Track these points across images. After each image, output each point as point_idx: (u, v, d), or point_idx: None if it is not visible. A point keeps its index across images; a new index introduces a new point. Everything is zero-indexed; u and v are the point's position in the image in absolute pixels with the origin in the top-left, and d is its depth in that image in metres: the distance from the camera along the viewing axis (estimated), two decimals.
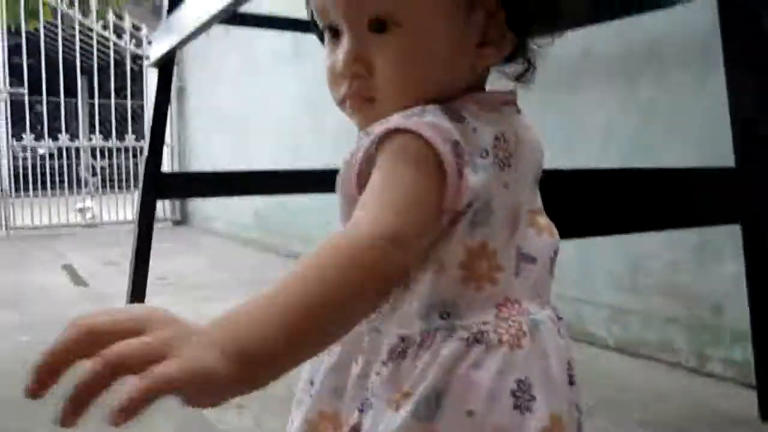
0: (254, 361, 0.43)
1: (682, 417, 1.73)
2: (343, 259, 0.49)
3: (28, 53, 6.01)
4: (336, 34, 0.65)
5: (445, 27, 0.61)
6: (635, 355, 2.18)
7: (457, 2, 0.60)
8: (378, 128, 0.58)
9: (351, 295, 0.49)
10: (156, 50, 2.51)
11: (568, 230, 1.26)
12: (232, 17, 2.30)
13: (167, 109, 2.61)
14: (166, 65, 2.53)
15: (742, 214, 1.50)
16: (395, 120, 0.57)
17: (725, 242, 1.81)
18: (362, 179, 0.58)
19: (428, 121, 0.56)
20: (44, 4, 6.14)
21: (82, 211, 6.59)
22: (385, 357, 0.59)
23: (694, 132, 1.93)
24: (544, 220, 0.66)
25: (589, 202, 1.20)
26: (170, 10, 2.45)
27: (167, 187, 2.65)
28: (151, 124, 2.57)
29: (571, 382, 0.62)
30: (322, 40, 0.69)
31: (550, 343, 0.59)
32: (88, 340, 0.41)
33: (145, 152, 2.58)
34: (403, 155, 0.55)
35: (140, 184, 2.61)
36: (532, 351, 0.57)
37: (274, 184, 2.86)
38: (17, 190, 6.33)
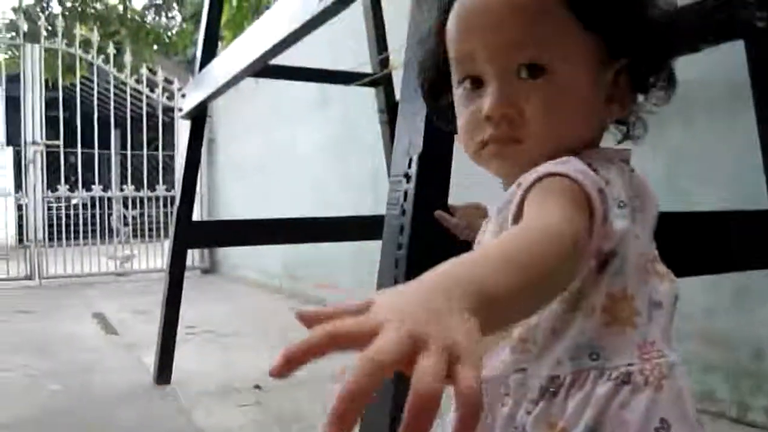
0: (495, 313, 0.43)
1: None
2: (550, 235, 0.52)
3: (63, 107, 6.20)
4: (475, 83, 0.68)
5: (588, 79, 0.66)
6: None
7: (596, 58, 0.66)
8: (528, 177, 0.60)
9: (556, 263, 0.51)
10: (188, 103, 2.58)
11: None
12: (261, 70, 2.35)
13: (199, 160, 2.66)
14: (198, 117, 2.59)
15: None
16: (544, 168, 0.60)
17: (764, 286, 1.77)
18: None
19: (577, 167, 0.59)
20: (80, 59, 6.36)
21: (127, 259, 6.69)
22: (536, 396, 0.62)
23: (725, 175, 1.91)
24: (662, 267, 0.69)
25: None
26: (203, 65, 2.52)
27: (198, 235, 2.69)
28: (183, 174, 2.62)
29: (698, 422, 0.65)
30: (425, 91, 0.77)
31: (684, 384, 0.63)
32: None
33: (177, 202, 2.62)
34: (552, 191, 0.58)
35: (171, 233, 2.64)
36: (672, 391, 0.61)
37: (302, 232, 2.88)
38: (50, 239, 6.45)
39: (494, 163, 0.69)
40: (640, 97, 0.71)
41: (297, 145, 5.06)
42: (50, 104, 6.46)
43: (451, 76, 0.73)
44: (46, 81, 6.45)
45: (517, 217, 0.59)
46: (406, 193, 0.97)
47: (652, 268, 0.66)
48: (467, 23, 0.68)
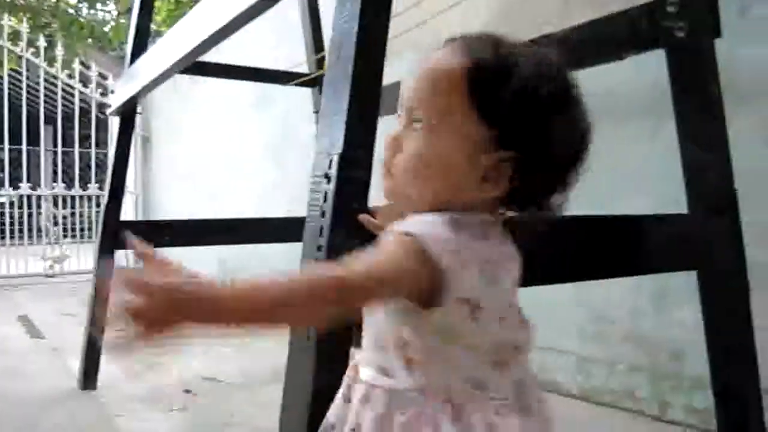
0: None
1: None
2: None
3: None
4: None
5: (459, 152, 0.74)
6: (599, 403, 2.16)
7: (476, 140, 0.73)
8: (395, 228, 0.71)
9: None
10: (117, 99, 2.50)
11: (528, 277, 1.26)
12: (193, 67, 2.30)
13: (128, 158, 2.58)
14: (127, 114, 2.52)
15: (697, 260, 1.51)
16: (407, 224, 0.71)
17: (684, 288, 1.82)
18: None
19: (433, 232, 0.69)
20: (9, 52, 6.10)
21: (59, 260, 6.44)
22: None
23: (649, 180, 1.97)
24: (521, 315, 0.81)
25: (545, 250, 1.20)
26: (132, 60, 2.45)
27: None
28: (111, 172, 2.54)
29: None
30: None
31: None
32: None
33: (104, 201, 2.54)
34: (395, 241, 0.70)
35: (99, 233, 2.56)
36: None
37: (237, 233, 2.83)
38: None
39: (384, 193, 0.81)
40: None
41: (235, 145, 4.98)
42: None
43: None
44: None
45: None
46: (326, 194, 0.96)
47: (513, 320, 0.78)
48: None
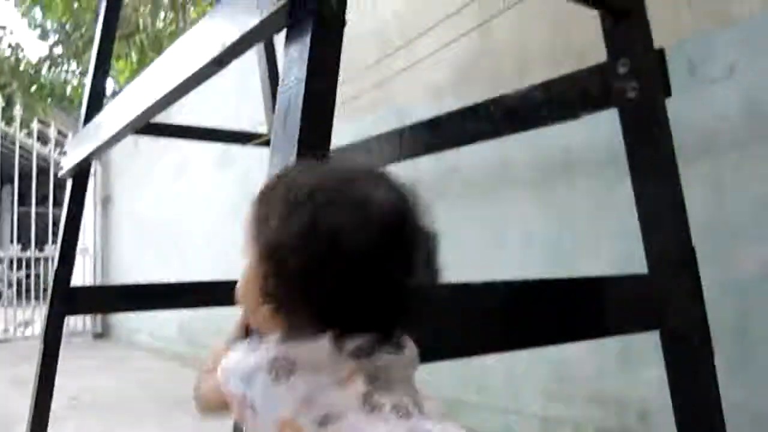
0: None
1: None
2: None
3: None
4: None
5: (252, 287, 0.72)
6: None
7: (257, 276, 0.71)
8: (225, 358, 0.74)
9: None
10: (69, 160, 2.44)
11: (487, 344, 1.22)
12: (149, 128, 2.26)
13: (80, 221, 2.50)
14: (80, 175, 2.45)
15: (659, 320, 1.49)
16: (227, 359, 0.73)
17: (648, 347, 1.80)
18: None
19: (241, 368, 0.70)
20: None
21: (25, 324, 6.23)
22: None
23: (609, 237, 1.97)
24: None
25: (501, 315, 1.18)
26: (86, 121, 2.40)
27: (77, 301, 2.51)
28: (61, 235, 2.45)
29: None
30: None
31: None
32: None
33: (54, 265, 2.45)
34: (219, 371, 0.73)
35: (48, 299, 2.46)
36: None
37: (193, 296, 2.74)
38: None
39: None
40: None
41: (197, 204, 4.91)
42: None
43: None
44: None
45: None
46: None
47: None
48: None
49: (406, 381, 0.70)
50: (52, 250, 6.38)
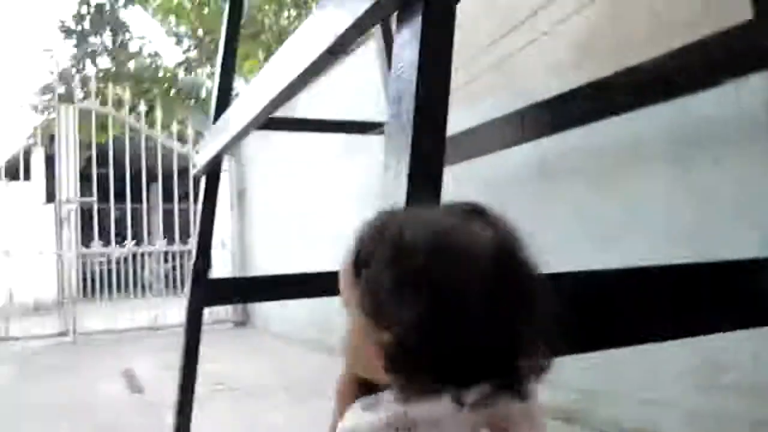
0: None
1: None
2: None
3: (102, 163, 6.33)
4: None
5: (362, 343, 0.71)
6: None
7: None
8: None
9: None
10: (201, 158, 2.55)
11: (625, 337, 1.13)
12: (273, 123, 2.31)
13: (214, 216, 2.62)
14: (212, 172, 2.56)
15: None
16: (344, 422, 0.70)
17: None
18: None
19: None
20: (114, 119, 6.50)
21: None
22: None
23: (760, 217, 1.78)
24: None
25: (651, 303, 1.08)
26: (215, 119, 2.50)
27: (215, 292, 2.63)
28: (198, 231, 2.58)
29: None
30: None
31: None
32: None
33: (193, 259, 2.58)
34: None
35: (187, 292, 2.59)
36: None
37: (322, 285, 2.79)
38: (85, 295, 6.50)
39: None
40: None
41: (327, 195, 5.03)
42: (98, 161, 6.61)
43: None
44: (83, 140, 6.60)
45: None
46: None
47: None
48: None
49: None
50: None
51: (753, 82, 1.52)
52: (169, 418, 2.79)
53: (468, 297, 0.63)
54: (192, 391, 2.59)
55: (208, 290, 2.55)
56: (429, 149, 0.91)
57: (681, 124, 2.03)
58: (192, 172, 2.67)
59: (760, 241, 1.78)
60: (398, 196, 0.90)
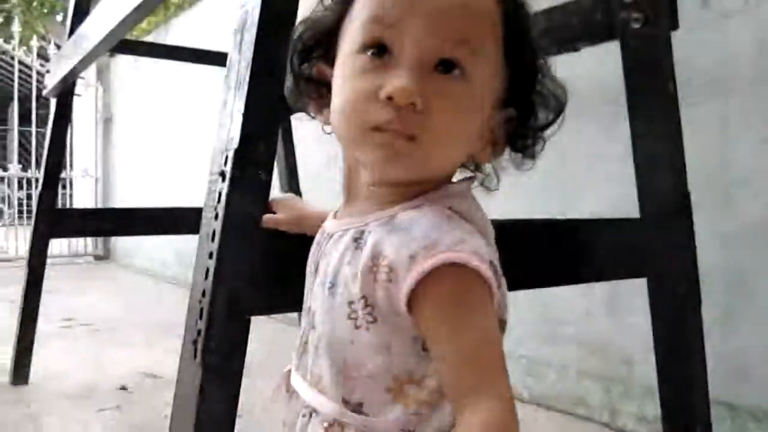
0: None
1: None
2: None
3: None
4: (379, 51, 0.59)
5: (489, 103, 0.63)
6: (549, 409, 2.09)
7: (498, 94, 0.64)
8: (426, 257, 0.54)
9: None
10: (51, 78, 2.35)
11: None
12: (126, 46, 2.15)
13: (64, 142, 2.45)
14: (63, 93, 2.37)
15: (648, 268, 1.43)
16: (440, 248, 0.54)
17: (631, 292, 1.75)
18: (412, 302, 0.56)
19: (472, 247, 0.55)
20: None
21: None
22: None
23: (603, 182, 1.89)
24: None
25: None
26: (70, 35, 2.30)
27: (62, 224, 2.47)
28: (45, 157, 2.39)
29: None
30: (297, 49, 0.70)
31: None
32: None
33: (39, 187, 2.40)
34: (470, 304, 0.56)
35: (33, 222, 2.42)
36: None
37: (181, 222, 2.69)
38: None
39: (379, 153, 0.58)
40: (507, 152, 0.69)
41: (197, 128, 4.82)
42: None
43: (335, 42, 0.66)
44: None
45: (410, 305, 0.55)
46: (219, 195, 0.85)
47: None
48: None
49: None
50: None
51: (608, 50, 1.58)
52: (5, 356, 2.63)
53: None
54: (33, 328, 2.45)
55: (54, 221, 2.39)
56: (268, 83, 0.86)
57: None
58: (43, 92, 2.45)
59: (599, 201, 1.89)
60: (233, 132, 0.86)
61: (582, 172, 1.99)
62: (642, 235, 1.41)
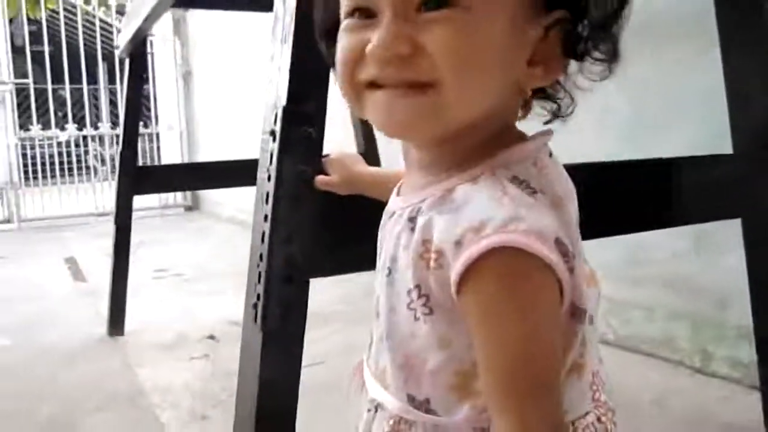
0: None
1: (678, 423, 1.58)
2: None
3: (37, 42, 5.95)
4: (366, 15, 0.53)
5: (507, 25, 0.51)
6: (636, 352, 2.02)
7: (523, 6, 0.52)
8: (472, 242, 0.47)
9: None
10: (122, 37, 2.38)
11: None
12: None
13: (140, 102, 2.49)
14: (136, 54, 2.40)
15: (741, 207, 1.33)
16: (487, 231, 0.47)
17: (724, 232, 1.63)
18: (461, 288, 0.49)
19: (530, 226, 0.46)
20: None
21: None
22: None
23: (693, 114, 1.75)
24: (588, 268, 0.59)
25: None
26: None
27: (144, 181, 2.54)
28: (123, 117, 2.45)
29: None
30: (320, 30, 0.64)
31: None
32: None
33: (119, 146, 2.47)
34: (517, 301, 0.47)
35: (116, 180, 2.50)
36: None
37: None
38: (26, 180, 6.30)
39: (385, 116, 0.53)
40: (572, 66, 0.56)
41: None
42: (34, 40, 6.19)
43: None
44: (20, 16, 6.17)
45: (459, 291, 0.48)
46: (271, 155, 0.82)
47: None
48: None
49: None
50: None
51: None
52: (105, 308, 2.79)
53: None
54: (125, 282, 2.56)
55: (136, 179, 2.46)
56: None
57: None
58: (117, 53, 2.49)
59: (687, 136, 1.76)
60: (281, 90, 0.82)
61: (665, 109, 1.85)
62: (735, 172, 1.30)
